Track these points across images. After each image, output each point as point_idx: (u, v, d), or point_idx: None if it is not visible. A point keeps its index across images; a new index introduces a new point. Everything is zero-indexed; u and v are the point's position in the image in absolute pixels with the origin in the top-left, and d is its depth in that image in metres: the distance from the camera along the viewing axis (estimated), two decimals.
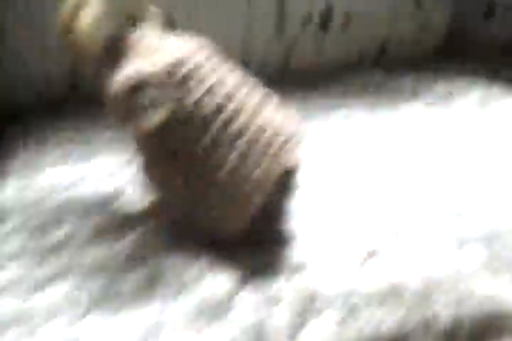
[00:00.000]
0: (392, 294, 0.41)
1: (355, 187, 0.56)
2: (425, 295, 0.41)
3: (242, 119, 0.41)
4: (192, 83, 0.40)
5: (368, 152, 0.63)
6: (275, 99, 0.46)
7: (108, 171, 0.56)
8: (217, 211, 0.41)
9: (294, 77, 0.81)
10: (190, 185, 0.41)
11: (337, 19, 0.81)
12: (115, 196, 0.52)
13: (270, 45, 0.79)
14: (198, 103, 0.40)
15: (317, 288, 0.41)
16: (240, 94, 0.42)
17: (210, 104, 0.40)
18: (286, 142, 0.41)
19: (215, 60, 0.43)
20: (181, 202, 0.42)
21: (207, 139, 0.40)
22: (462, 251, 0.46)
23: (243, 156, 0.40)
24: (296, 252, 0.45)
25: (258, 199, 0.40)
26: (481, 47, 0.93)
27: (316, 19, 0.80)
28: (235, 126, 0.40)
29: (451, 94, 0.79)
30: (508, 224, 0.49)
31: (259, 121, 0.41)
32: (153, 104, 0.39)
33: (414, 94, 0.79)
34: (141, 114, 0.39)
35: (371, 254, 0.44)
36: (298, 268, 0.43)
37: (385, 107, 0.75)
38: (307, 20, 0.80)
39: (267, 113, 0.42)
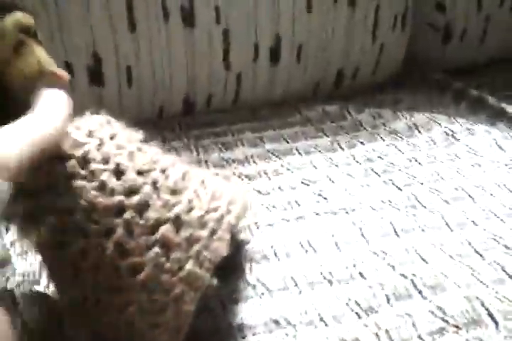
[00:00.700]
0: None
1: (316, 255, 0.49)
2: None
3: (152, 214, 0.33)
4: (78, 183, 0.33)
5: (331, 200, 0.57)
6: (204, 171, 0.39)
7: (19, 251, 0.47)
8: (141, 323, 0.33)
9: (244, 115, 0.74)
10: (101, 299, 0.33)
11: (287, 51, 0.74)
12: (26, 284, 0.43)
13: (217, 82, 0.72)
14: (91, 204, 0.33)
15: None
16: (148, 180, 0.34)
17: (108, 204, 0.33)
18: (213, 232, 0.34)
19: (111, 145, 0.35)
20: (97, 318, 0.34)
21: (110, 246, 0.32)
22: None
23: (163, 256, 0.33)
24: None
25: (190, 305, 0.32)
26: (440, 72, 0.89)
27: (265, 51, 0.73)
28: (147, 221, 0.33)
29: (415, 128, 0.73)
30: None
31: (177, 210, 0.34)
32: (30, 218, 0.31)
33: (374, 129, 0.74)
34: (20, 228, 0.31)
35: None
36: None
37: (343, 145, 0.69)
38: (255, 53, 0.73)
39: (188, 197, 0.35)
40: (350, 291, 0.44)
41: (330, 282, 0.45)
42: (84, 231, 0.33)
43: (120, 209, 0.33)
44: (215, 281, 0.34)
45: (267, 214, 0.54)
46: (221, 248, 0.34)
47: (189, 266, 0.32)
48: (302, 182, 0.60)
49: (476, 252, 0.50)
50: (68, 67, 0.64)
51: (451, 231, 0.53)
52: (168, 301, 0.32)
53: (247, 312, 0.42)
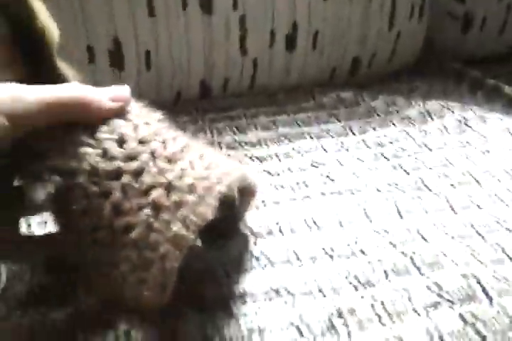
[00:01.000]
0: None
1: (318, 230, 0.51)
2: None
3: (147, 179, 0.36)
4: (84, 149, 0.36)
5: (338, 182, 0.59)
6: (204, 146, 0.42)
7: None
8: (131, 279, 0.35)
9: (259, 100, 0.76)
10: (96, 251, 0.36)
11: (303, 38, 0.76)
12: None
13: (234, 67, 0.74)
14: (93, 168, 0.36)
15: None
16: (147, 149, 0.37)
17: (108, 168, 0.36)
18: (201, 198, 0.36)
19: (120, 119, 0.38)
20: (93, 271, 0.37)
21: (107, 206, 0.35)
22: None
23: (153, 217, 0.35)
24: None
25: (175, 262, 0.35)
26: (458, 62, 0.90)
27: (281, 38, 0.75)
28: (141, 185, 0.36)
29: (427, 115, 0.74)
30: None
31: (170, 176, 0.36)
32: (40, 177, 0.35)
33: (387, 115, 0.75)
34: (29, 188, 0.34)
35: None
36: None
37: (355, 130, 0.71)
38: (271, 39, 0.75)
39: (182, 166, 0.37)
40: (349, 266, 0.46)
41: (331, 257, 0.47)
42: (86, 193, 0.35)
43: (118, 174, 0.36)
44: (199, 242, 0.36)
45: (275, 193, 0.56)
46: (207, 213, 0.36)
47: (176, 227, 0.35)
48: (311, 165, 0.62)
49: (478, 234, 0.51)
50: (90, 50, 0.67)
51: (455, 213, 0.54)
52: (155, 258, 0.35)
53: (250, 282, 0.44)
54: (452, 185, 0.59)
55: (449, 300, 0.43)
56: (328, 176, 0.59)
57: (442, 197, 0.56)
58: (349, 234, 0.50)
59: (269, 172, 0.60)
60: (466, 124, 0.72)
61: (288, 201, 0.55)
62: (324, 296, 0.43)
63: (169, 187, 0.36)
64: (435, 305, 0.43)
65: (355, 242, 0.49)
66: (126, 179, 0.36)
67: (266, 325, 0.40)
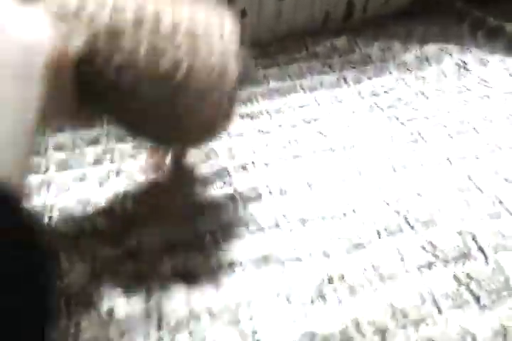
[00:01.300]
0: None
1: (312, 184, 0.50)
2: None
3: (168, 19, 0.37)
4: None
5: (331, 138, 0.57)
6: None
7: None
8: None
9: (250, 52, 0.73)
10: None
11: None
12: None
13: None
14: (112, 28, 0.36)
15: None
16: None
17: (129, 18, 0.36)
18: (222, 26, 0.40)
19: None
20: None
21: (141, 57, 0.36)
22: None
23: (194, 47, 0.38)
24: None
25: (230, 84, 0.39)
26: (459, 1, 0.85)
27: None
28: (166, 25, 0.37)
29: (425, 60, 0.71)
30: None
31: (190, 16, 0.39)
32: (67, 37, 0.35)
33: (383, 62, 0.72)
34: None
35: None
36: None
37: (350, 80, 0.68)
38: None
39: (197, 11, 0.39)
40: (341, 227, 0.45)
41: (322, 218, 0.46)
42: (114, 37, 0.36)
43: (139, 21, 0.36)
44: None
45: (265, 153, 0.54)
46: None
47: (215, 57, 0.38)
48: (303, 120, 0.60)
49: (475, 186, 0.50)
50: None
51: (451, 165, 0.53)
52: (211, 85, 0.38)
53: (239, 249, 0.43)
54: (449, 134, 0.57)
55: (443, 260, 0.42)
56: (320, 132, 0.57)
57: (439, 148, 0.55)
58: (341, 194, 0.49)
59: (259, 130, 0.58)
60: (465, 68, 0.69)
61: (278, 161, 0.53)
62: (314, 262, 0.42)
63: (191, 22, 0.38)
64: (429, 266, 0.42)
65: (348, 202, 0.48)
66: (148, 25, 0.36)
67: (254, 295, 0.40)
